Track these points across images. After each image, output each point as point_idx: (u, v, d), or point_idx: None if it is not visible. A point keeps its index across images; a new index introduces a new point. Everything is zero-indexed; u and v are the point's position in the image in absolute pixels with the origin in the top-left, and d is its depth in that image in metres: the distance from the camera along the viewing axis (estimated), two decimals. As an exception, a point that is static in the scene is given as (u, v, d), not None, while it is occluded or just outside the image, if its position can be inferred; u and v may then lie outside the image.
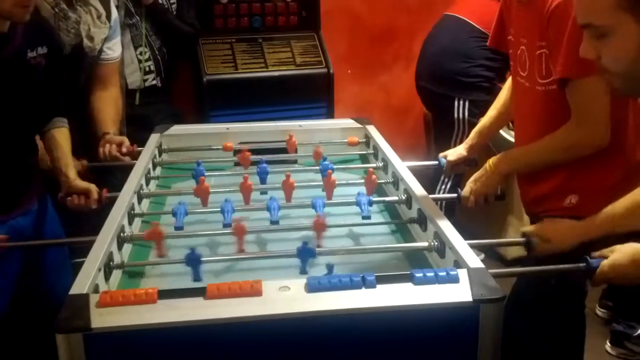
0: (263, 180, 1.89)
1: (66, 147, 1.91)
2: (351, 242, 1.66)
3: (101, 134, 2.17)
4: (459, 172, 2.11)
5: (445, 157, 2.12)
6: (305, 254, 1.42)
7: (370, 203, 1.70)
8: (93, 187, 1.86)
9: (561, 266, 1.50)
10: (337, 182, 1.80)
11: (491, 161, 1.84)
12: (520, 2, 1.76)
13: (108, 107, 2.26)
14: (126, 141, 2.14)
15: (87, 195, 1.85)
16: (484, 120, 2.10)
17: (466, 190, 1.87)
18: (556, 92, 1.67)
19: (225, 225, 1.59)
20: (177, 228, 1.58)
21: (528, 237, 1.60)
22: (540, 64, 1.69)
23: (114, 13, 2.30)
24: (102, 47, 2.25)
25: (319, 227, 1.55)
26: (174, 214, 1.63)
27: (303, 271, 1.42)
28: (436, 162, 2.15)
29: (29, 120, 1.80)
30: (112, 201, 1.72)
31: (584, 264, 1.41)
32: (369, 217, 1.66)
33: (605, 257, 1.39)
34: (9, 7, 1.56)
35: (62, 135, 1.91)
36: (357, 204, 1.70)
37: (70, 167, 1.88)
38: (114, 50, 2.31)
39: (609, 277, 1.38)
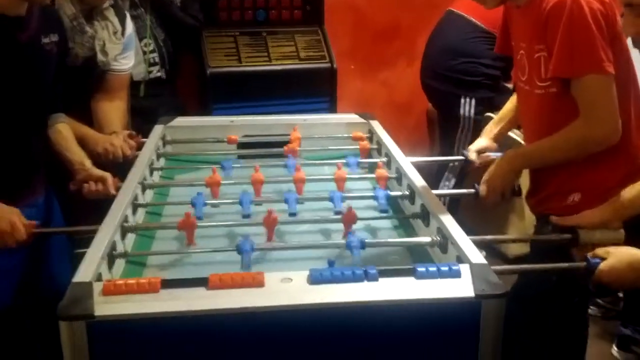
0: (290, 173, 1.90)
1: (74, 140, 1.95)
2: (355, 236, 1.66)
3: (109, 132, 2.18)
4: (485, 160, 2.09)
5: (469, 150, 2.12)
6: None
7: (388, 198, 1.72)
8: (108, 175, 1.88)
9: (562, 264, 1.50)
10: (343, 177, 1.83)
11: (504, 157, 1.85)
12: (519, 7, 1.77)
13: (113, 114, 2.26)
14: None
15: (103, 183, 1.87)
16: (500, 113, 2.11)
17: (483, 188, 1.87)
18: (555, 95, 1.68)
19: (245, 216, 1.62)
20: (197, 218, 1.59)
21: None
22: (539, 67, 1.70)
23: (129, 29, 2.31)
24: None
25: (349, 219, 1.58)
26: (193, 204, 1.64)
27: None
28: (462, 157, 2.14)
29: (40, 108, 1.81)
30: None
31: (585, 263, 1.41)
32: (386, 211, 1.69)
33: (602, 258, 1.39)
34: None
35: (67, 129, 1.95)
36: (375, 198, 1.72)
37: (85, 157, 1.93)
38: (123, 63, 2.30)
39: (606, 280, 1.38)
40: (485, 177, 1.88)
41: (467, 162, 2.11)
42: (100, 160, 2.09)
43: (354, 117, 2.39)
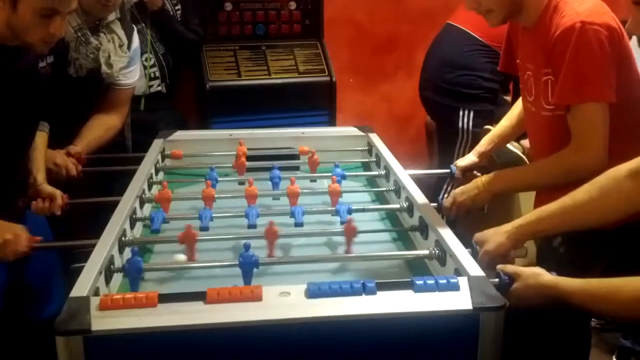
0: (276, 186, 1.91)
1: (42, 151, 1.92)
2: (352, 248, 1.66)
3: (71, 143, 2.15)
4: (470, 178, 2.10)
5: (456, 165, 2.13)
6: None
7: (350, 211, 1.72)
8: (58, 193, 1.86)
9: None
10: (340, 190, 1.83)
11: (484, 179, 1.84)
12: (526, 28, 1.77)
13: (97, 129, 2.23)
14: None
15: (51, 200, 1.84)
16: (496, 130, 2.12)
17: (449, 200, 1.85)
18: (563, 117, 1.68)
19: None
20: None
21: (472, 243, 1.58)
22: (547, 90, 1.71)
23: (135, 43, 2.32)
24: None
25: (350, 231, 1.57)
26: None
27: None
28: (447, 170, 2.15)
29: (28, 125, 1.81)
30: (76, 208, 1.81)
31: (497, 280, 1.38)
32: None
33: (513, 276, 1.37)
34: (34, 41, 1.58)
35: (41, 138, 1.92)
36: (337, 212, 1.72)
37: (41, 171, 1.89)
38: (128, 77, 2.30)
39: (513, 301, 1.35)
40: (456, 191, 1.86)
41: (452, 175, 2.11)
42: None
43: (352, 130, 2.40)
